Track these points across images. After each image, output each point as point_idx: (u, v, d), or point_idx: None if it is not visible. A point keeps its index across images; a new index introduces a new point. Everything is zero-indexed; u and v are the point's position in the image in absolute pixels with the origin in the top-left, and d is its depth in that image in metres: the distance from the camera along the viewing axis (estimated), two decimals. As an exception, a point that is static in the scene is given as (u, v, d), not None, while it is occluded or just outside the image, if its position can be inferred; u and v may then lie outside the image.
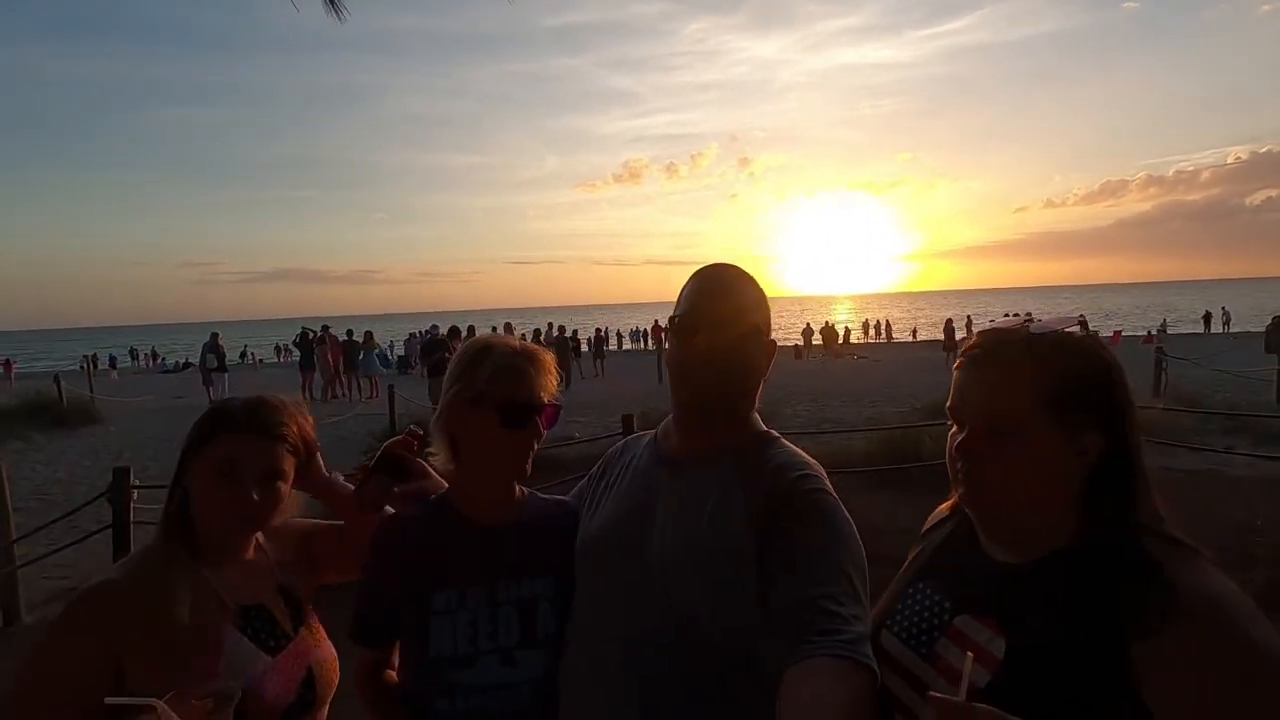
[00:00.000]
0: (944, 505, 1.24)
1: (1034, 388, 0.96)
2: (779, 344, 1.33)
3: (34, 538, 5.55)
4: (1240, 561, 4.49)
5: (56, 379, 16.00)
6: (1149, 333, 28.76)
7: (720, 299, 1.25)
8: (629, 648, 1.16)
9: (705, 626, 1.12)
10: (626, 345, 40.02)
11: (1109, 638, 0.87)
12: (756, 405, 1.31)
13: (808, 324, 34.30)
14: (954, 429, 1.05)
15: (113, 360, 42.62)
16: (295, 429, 1.35)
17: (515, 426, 1.30)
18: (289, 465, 1.33)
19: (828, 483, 1.19)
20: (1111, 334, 33.14)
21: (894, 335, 42.95)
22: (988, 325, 1.08)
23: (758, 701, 1.07)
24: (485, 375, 1.29)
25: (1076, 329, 1.02)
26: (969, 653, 0.88)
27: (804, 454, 1.25)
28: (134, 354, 48.74)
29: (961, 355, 1.07)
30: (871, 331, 43.85)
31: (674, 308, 1.29)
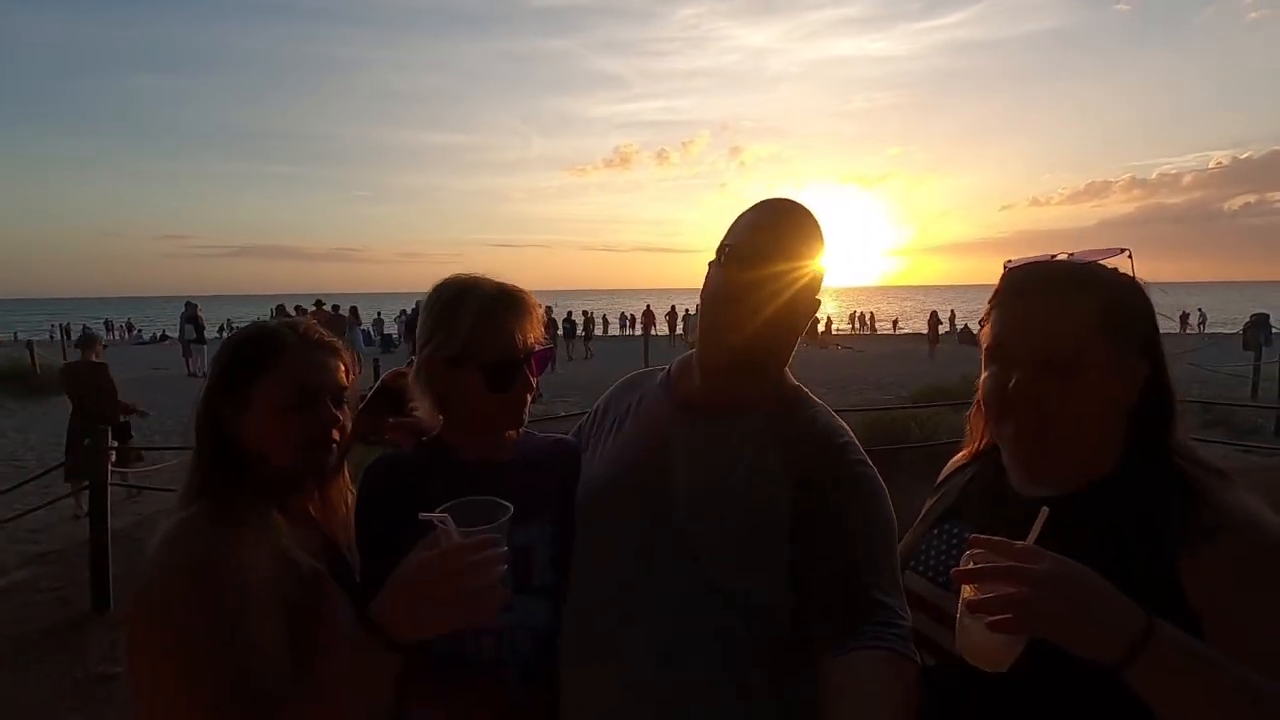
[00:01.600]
0: (959, 456, 1.22)
1: (1091, 316, 0.95)
2: None
3: (5, 503, 5.43)
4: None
5: (30, 346, 15.64)
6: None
7: (789, 241, 1.13)
8: (647, 603, 1.12)
9: (730, 585, 1.08)
10: (614, 331, 39.87)
11: (1154, 554, 0.89)
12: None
13: (793, 313, 34.26)
14: (991, 370, 1.01)
15: (86, 331, 41.79)
16: (340, 341, 1.24)
17: (502, 385, 1.22)
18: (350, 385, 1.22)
19: (858, 443, 1.15)
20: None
21: (877, 327, 43.31)
22: (1013, 263, 1.04)
23: (778, 660, 1.06)
24: (463, 331, 1.20)
25: (1122, 257, 1.01)
26: (1045, 508, 0.86)
27: (839, 418, 1.20)
28: (109, 326, 47.85)
29: (1002, 292, 1.02)
30: (856, 323, 44.13)
31: (729, 235, 1.16)
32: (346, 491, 1.29)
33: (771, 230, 1.14)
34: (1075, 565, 0.82)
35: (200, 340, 18.02)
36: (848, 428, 1.19)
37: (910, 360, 19.16)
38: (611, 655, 1.13)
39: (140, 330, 44.73)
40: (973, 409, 1.15)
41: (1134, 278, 1.00)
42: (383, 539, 1.22)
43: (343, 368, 1.21)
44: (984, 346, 1.04)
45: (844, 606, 1.00)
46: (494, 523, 0.99)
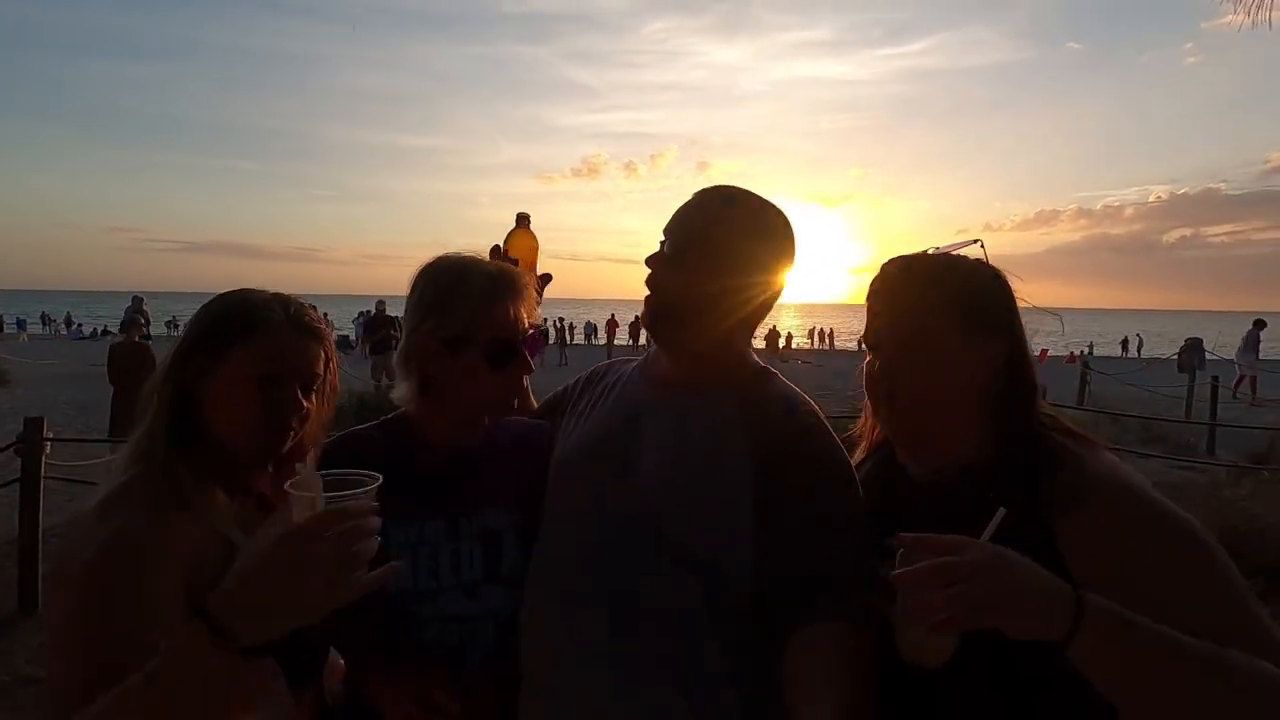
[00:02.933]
0: (858, 452, 1.27)
1: (942, 304, 1.03)
2: None
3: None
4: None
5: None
6: (1070, 354, 30.57)
7: (721, 242, 1.13)
8: (603, 562, 1.13)
9: (688, 546, 1.09)
10: (579, 339, 39.70)
11: (1033, 525, 0.92)
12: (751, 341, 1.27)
13: (754, 327, 34.73)
14: (868, 358, 1.11)
15: (21, 323, 39.79)
16: (328, 329, 1.18)
17: (504, 366, 1.21)
18: (328, 376, 1.16)
19: (826, 421, 1.18)
20: (1039, 351, 34.99)
21: (836, 343, 44.09)
22: (892, 258, 1.12)
23: (734, 633, 1.07)
24: (465, 310, 1.19)
25: (974, 245, 1.09)
26: (1001, 509, 0.87)
27: (804, 394, 1.23)
28: (45, 319, 45.67)
29: (871, 287, 1.11)
30: (817, 338, 44.87)
31: (667, 230, 1.18)
32: None
33: (703, 232, 1.15)
34: (1001, 550, 0.83)
35: (146, 337, 17.31)
36: (812, 403, 1.21)
37: (868, 375, 19.49)
38: (569, 622, 1.14)
39: (80, 325, 42.75)
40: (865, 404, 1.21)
41: (992, 268, 1.08)
42: None
43: (322, 357, 1.15)
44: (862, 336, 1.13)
45: (802, 580, 1.02)
46: (362, 489, 0.86)
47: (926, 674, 0.94)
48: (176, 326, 37.10)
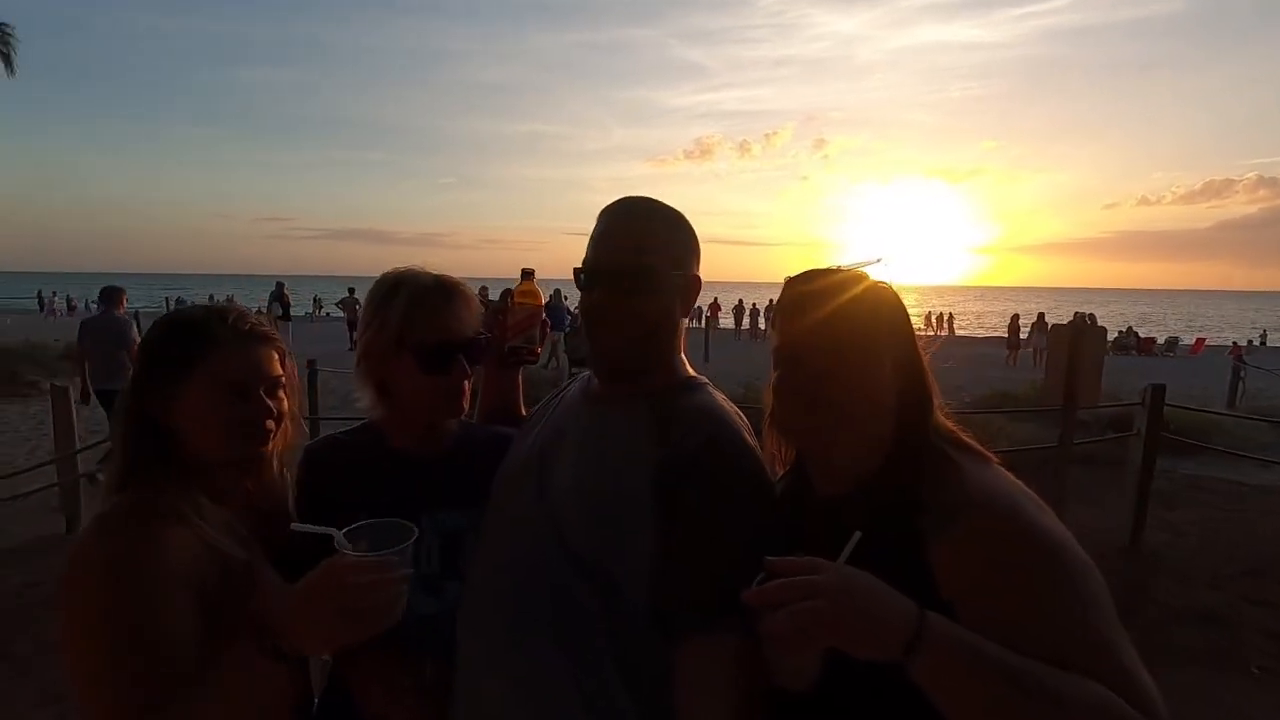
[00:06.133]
0: (778, 469, 1.24)
1: (852, 323, 1.05)
2: None
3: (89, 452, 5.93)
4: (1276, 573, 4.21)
5: (135, 318, 16.96)
6: (1234, 344, 26.75)
7: (619, 243, 1.18)
8: (515, 572, 1.17)
9: (586, 561, 1.11)
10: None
11: (910, 541, 0.93)
12: (681, 348, 1.27)
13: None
14: (779, 373, 1.09)
15: (184, 304, 44.90)
16: (276, 333, 1.24)
17: (437, 370, 1.27)
18: (288, 372, 1.24)
19: (747, 434, 1.15)
20: (1194, 340, 31.37)
21: (955, 329, 41.15)
22: (797, 274, 1.13)
23: (632, 644, 1.07)
24: (398, 315, 1.26)
25: (878, 264, 1.10)
26: (857, 532, 0.89)
27: (726, 402, 1.21)
28: (211, 300, 51.27)
29: (783, 302, 1.11)
30: (934, 324, 42.21)
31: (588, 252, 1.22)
32: (287, 475, 1.33)
33: (606, 248, 1.19)
34: (849, 570, 0.85)
35: (286, 318, 19.14)
36: (732, 410, 1.19)
37: (985, 364, 18.11)
38: (481, 629, 1.19)
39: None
40: (766, 425, 1.18)
41: (889, 286, 1.11)
42: (315, 519, 1.23)
43: (276, 357, 1.22)
44: (772, 350, 1.12)
45: (693, 593, 1.02)
46: (395, 546, 1.01)
47: (816, 695, 0.93)
48: (319, 305, 41.05)
